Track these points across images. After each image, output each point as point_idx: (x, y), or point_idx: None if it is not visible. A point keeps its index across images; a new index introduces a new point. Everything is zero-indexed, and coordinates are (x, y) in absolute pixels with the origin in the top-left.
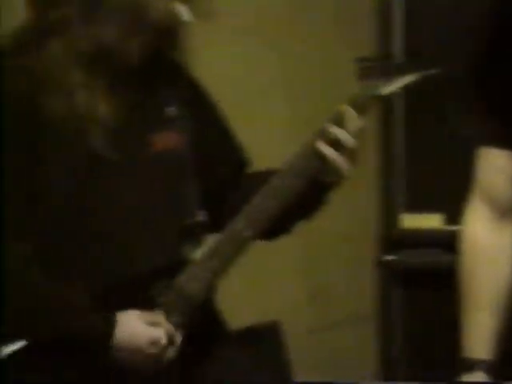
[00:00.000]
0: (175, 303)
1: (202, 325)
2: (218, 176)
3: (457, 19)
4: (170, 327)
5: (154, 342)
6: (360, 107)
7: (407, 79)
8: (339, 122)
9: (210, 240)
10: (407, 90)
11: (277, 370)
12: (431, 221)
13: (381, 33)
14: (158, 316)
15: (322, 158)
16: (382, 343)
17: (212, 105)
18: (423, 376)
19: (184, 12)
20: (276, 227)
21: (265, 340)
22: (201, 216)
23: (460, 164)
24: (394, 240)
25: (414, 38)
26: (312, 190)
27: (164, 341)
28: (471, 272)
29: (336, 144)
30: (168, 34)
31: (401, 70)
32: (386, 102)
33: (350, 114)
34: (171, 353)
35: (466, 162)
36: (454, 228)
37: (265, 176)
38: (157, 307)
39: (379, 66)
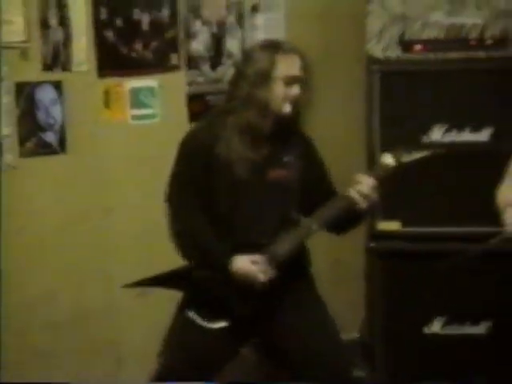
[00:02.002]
0: (270, 255)
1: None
2: (312, 197)
3: None
4: (263, 262)
5: (252, 270)
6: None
7: (422, 154)
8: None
9: (300, 225)
10: None
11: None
12: (394, 225)
13: None
14: (257, 257)
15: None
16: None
17: (317, 156)
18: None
19: (288, 108)
20: (335, 228)
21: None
22: (294, 215)
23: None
24: (375, 236)
25: None
26: (351, 211)
27: (256, 268)
28: None
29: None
30: (283, 116)
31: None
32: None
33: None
34: (262, 276)
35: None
36: (409, 229)
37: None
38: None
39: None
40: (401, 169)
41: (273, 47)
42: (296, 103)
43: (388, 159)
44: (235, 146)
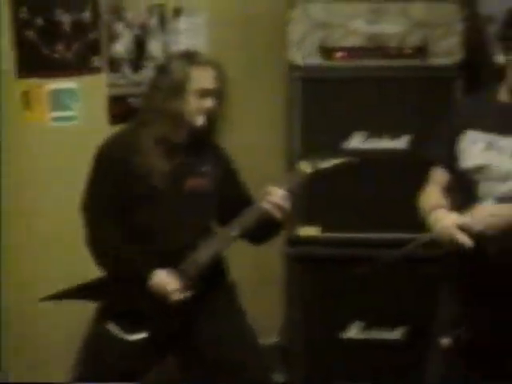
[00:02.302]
0: (189, 265)
1: (207, 279)
2: (230, 204)
3: None
4: (181, 276)
5: (169, 286)
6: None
7: (338, 161)
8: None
9: (218, 234)
10: None
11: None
12: (314, 231)
13: None
14: (175, 271)
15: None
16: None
17: (232, 166)
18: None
19: (201, 120)
20: (252, 237)
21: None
22: (213, 224)
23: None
24: (295, 241)
25: None
26: (267, 221)
27: (174, 285)
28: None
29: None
30: (197, 128)
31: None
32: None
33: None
34: (178, 294)
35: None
36: (328, 235)
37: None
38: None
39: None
40: (318, 175)
41: (187, 59)
42: (210, 115)
43: (305, 166)
44: (150, 157)
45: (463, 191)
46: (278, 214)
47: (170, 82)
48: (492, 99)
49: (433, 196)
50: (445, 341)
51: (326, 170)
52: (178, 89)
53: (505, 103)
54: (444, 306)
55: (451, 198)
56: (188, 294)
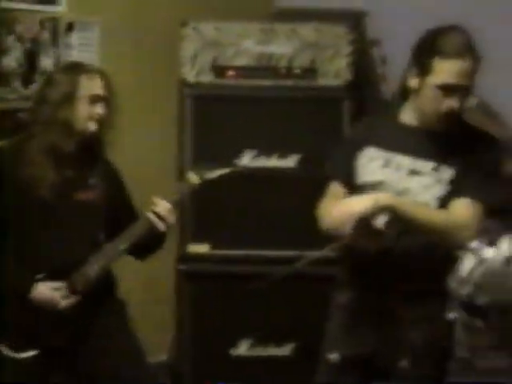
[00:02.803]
0: (76, 279)
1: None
2: (117, 217)
3: None
4: (64, 290)
5: (51, 296)
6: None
7: (223, 171)
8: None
9: (105, 248)
10: None
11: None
12: (203, 248)
13: None
14: (59, 283)
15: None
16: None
17: (120, 179)
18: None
19: (93, 126)
20: (137, 251)
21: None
22: (101, 238)
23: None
24: (185, 258)
25: None
26: (152, 234)
27: (58, 296)
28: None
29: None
30: (88, 136)
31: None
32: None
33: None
34: (63, 303)
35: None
36: (218, 252)
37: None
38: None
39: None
40: (205, 186)
41: (75, 68)
42: (101, 122)
43: (192, 177)
44: (38, 168)
45: None
46: (161, 227)
47: (58, 92)
48: (393, 119)
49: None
50: (333, 356)
51: (212, 180)
52: (68, 97)
53: (406, 124)
54: (333, 321)
55: None
56: (74, 302)
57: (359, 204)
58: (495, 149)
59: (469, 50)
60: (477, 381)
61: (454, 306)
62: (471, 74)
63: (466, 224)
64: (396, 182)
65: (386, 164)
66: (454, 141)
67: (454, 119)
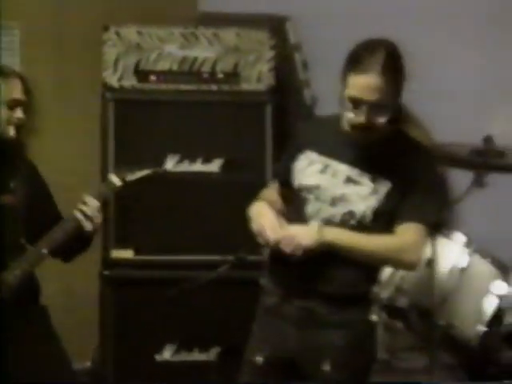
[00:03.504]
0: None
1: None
2: (40, 220)
3: None
4: None
5: None
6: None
7: (144, 172)
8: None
9: (28, 252)
10: None
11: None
12: (127, 253)
13: None
14: None
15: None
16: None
17: (42, 181)
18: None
19: (12, 131)
20: (62, 253)
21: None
22: (23, 242)
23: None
24: (108, 263)
25: None
26: (77, 234)
27: None
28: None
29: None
30: (7, 141)
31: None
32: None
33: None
34: None
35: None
36: (141, 257)
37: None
38: None
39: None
40: (128, 189)
41: None
42: (20, 127)
43: (113, 178)
44: None
45: (295, 208)
46: (88, 226)
47: None
48: (336, 125)
49: (261, 206)
50: (257, 357)
51: (133, 181)
52: None
53: (344, 131)
54: (258, 324)
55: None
56: None
57: (305, 238)
58: (431, 162)
59: (378, 67)
60: (396, 381)
61: (376, 308)
62: (380, 89)
63: (411, 248)
64: (332, 188)
65: (324, 169)
66: (390, 152)
67: (364, 132)
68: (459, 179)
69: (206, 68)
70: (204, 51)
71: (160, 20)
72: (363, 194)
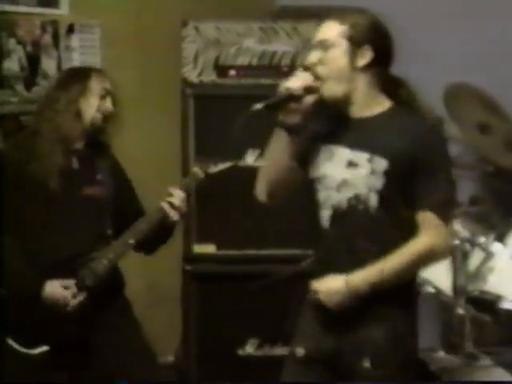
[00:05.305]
0: (85, 275)
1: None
2: (124, 214)
3: None
4: (73, 287)
5: (62, 295)
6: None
7: (227, 164)
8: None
9: (114, 242)
10: None
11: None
12: (209, 248)
13: None
14: (69, 282)
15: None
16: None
17: (126, 175)
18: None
19: (100, 120)
20: (145, 245)
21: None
22: (109, 233)
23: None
24: (191, 258)
25: None
26: (162, 226)
27: (68, 296)
28: None
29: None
30: (95, 129)
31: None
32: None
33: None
34: (73, 302)
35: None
36: (223, 252)
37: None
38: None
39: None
40: (209, 179)
41: (85, 68)
42: (108, 117)
43: (196, 170)
44: (47, 162)
45: (310, 198)
46: (175, 216)
47: (72, 83)
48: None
49: None
50: (299, 351)
51: (216, 173)
52: (81, 89)
53: (346, 114)
54: (303, 319)
55: None
56: (82, 300)
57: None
58: (438, 136)
59: None
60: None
61: (462, 301)
62: None
63: (440, 243)
64: (335, 175)
65: (330, 157)
66: (389, 129)
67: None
68: None
69: (286, 62)
70: (283, 45)
71: (238, 15)
72: (362, 176)
